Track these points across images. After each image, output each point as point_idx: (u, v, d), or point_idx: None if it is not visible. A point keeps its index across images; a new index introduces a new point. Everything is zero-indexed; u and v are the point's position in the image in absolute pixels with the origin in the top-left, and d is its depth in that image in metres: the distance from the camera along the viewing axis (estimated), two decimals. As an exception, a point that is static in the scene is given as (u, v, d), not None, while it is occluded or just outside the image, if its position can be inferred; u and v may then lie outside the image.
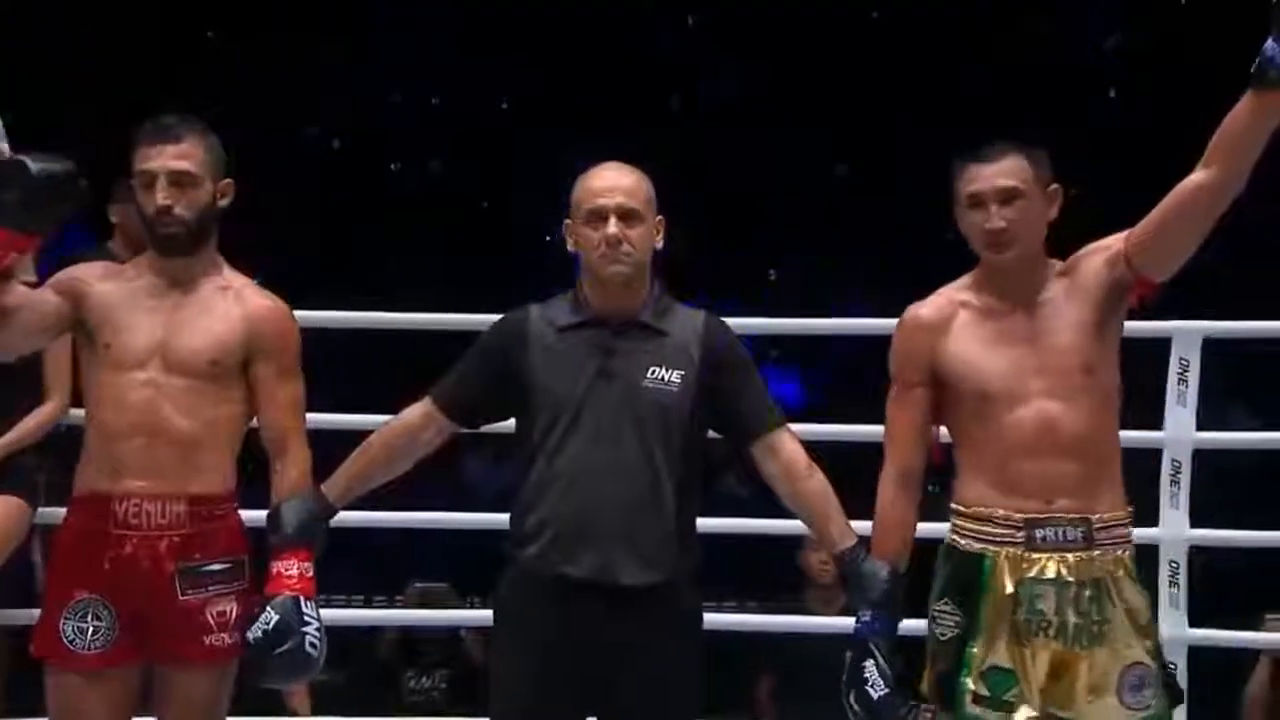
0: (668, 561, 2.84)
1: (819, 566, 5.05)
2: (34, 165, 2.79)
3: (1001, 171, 2.81)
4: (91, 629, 2.92)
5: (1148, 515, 3.74)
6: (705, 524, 3.20)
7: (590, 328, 2.88)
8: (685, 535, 2.88)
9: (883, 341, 2.99)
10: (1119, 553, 2.81)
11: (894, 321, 2.98)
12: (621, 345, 2.87)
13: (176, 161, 2.95)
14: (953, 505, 2.88)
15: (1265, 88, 2.60)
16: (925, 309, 2.92)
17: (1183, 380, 3.75)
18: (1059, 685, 2.77)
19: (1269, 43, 2.58)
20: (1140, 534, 3.77)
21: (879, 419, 2.96)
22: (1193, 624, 3.74)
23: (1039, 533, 2.78)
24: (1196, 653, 3.74)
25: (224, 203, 3.04)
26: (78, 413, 3.27)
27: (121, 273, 3.05)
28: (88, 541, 2.94)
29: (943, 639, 2.83)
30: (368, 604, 6.21)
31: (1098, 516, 2.79)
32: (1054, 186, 2.87)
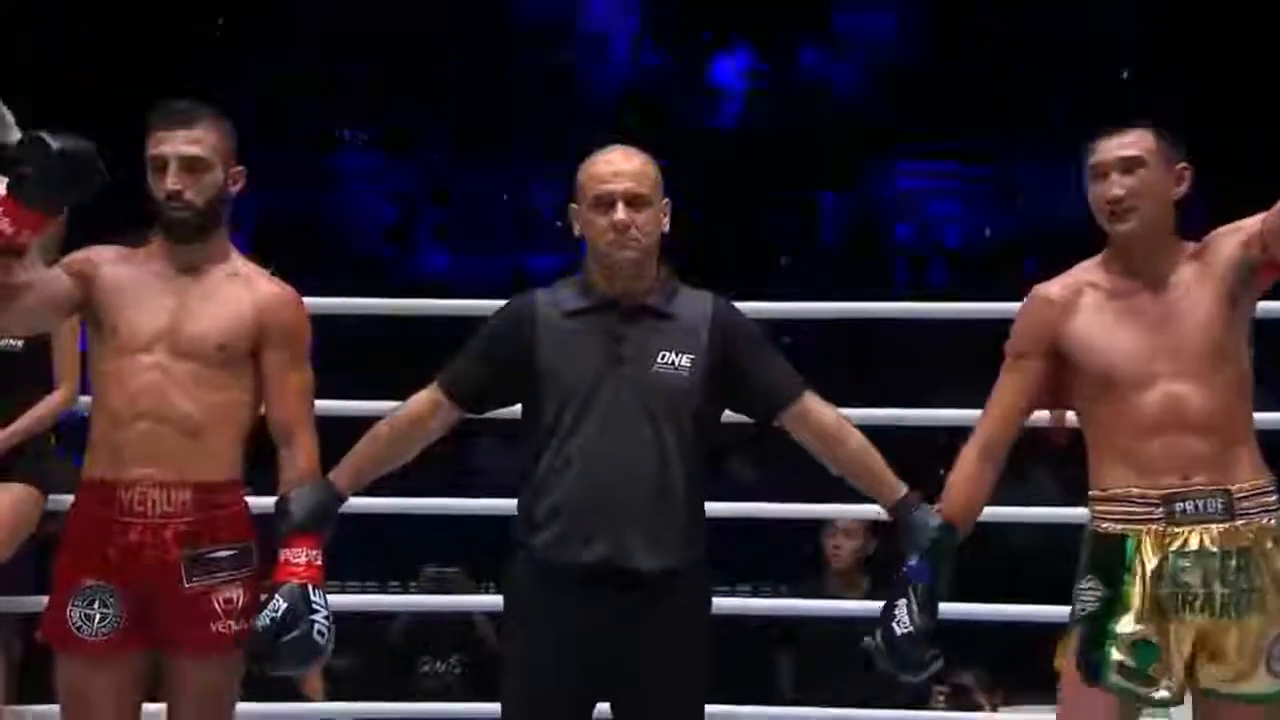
0: (679, 546, 2.82)
1: (832, 551, 5.04)
2: (54, 143, 2.78)
3: (1125, 143, 2.85)
4: (99, 616, 2.90)
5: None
6: (718, 508, 3.19)
7: (599, 312, 2.86)
8: (695, 519, 2.87)
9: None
10: (1265, 520, 2.80)
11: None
12: (630, 330, 2.85)
13: (188, 146, 2.93)
14: (1090, 492, 2.89)
15: None
16: (1054, 286, 2.93)
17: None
18: (1205, 658, 2.79)
19: None
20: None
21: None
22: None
23: (1179, 506, 2.78)
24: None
25: (236, 189, 3.02)
26: (86, 400, 3.26)
27: (133, 256, 3.03)
28: (94, 528, 2.92)
29: (1084, 613, 2.84)
30: (382, 589, 6.20)
31: (1237, 486, 2.79)
32: (1182, 165, 2.87)
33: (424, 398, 2.93)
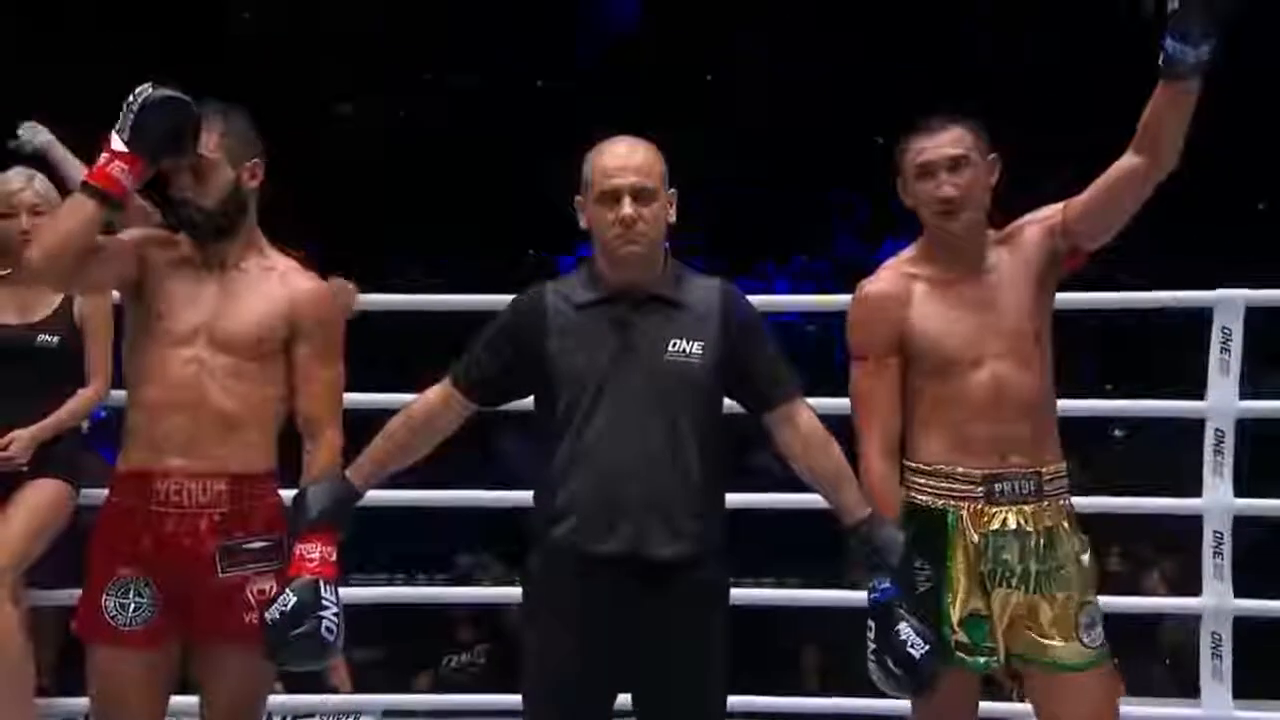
0: (697, 533, 2.83)
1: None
2: (152, 91, 2.86)
3: (949, 141, 2.95)
4: (133, 606, 2.93)
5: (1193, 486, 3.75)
6: (744, 499, 3.20)
7: (608, 303, 2.87)
8: (713, 506, 2.88)
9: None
10: (1061, 501, 2.96)
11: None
12: (641, 319, 2.86)
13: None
14: (906, 463, 2.99)
15: (1171, 80, 2.77)
16: (882, 283, 3.03)
17: (1225, 349, 3.74)
18: (1020, 630, 2.92)
19: (1168, 40, 2.73)
20: (1185, 504, 3.81)
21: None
22: (1237, 594, 3.73)
23: (997, 487, 2.92)
24: (1241, 623, 3.73)
25: (253, 184, 3.03)
26: (119, 394, 3.28)
27: (177, 245, 3.04)
28: (129, 519, 2.95)
29: (919, 592, 2.92)
30: (409, 581, 6.23)
31: (1046, 469, 2.94)
32: (993, 156, 2.99)
33: (437, 392, 2.95)
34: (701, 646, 2.85)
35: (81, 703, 3.31)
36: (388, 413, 3.01)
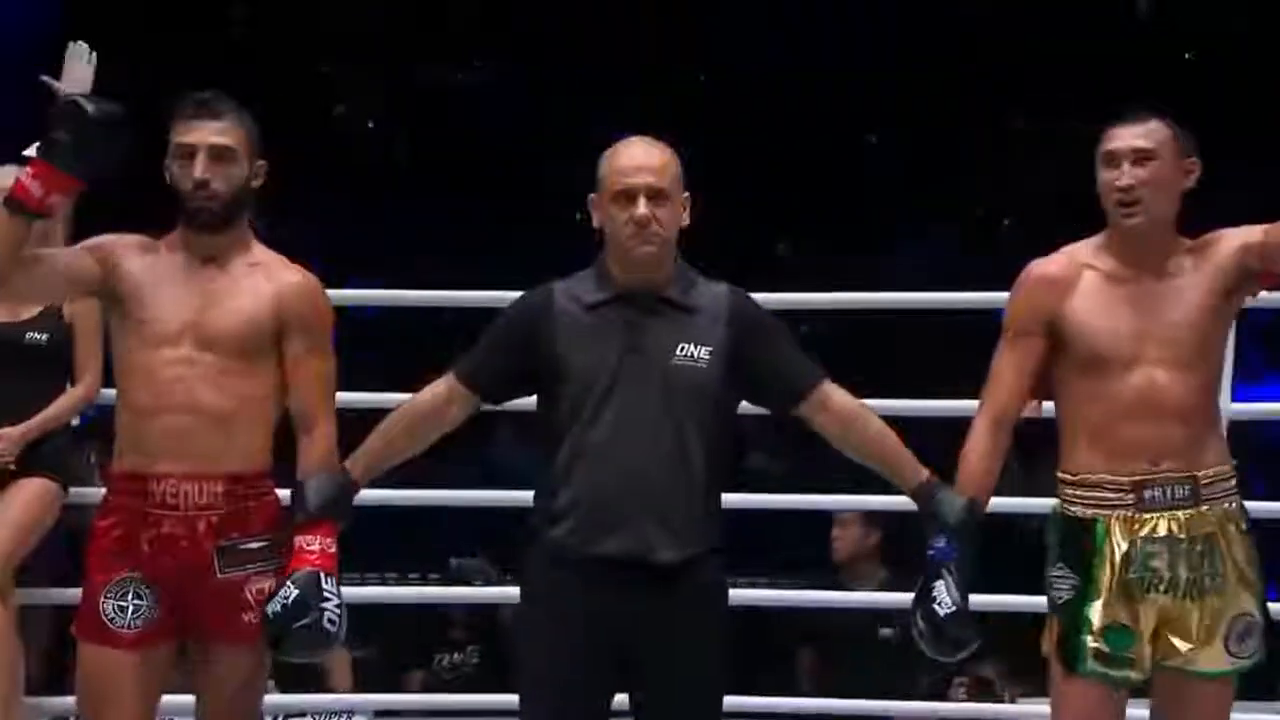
0: (698, 536, 2.82)
1: (834, 542, 5.03)
2: (90, 107, 2.81)
3: (1139, 133, 2.88)
4: (132, 608, 2.92)
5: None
6: (740, 500, 3.19)
7: (617, 305, 2.86)
8: (714, 510, 2.87)
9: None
10: (1226, 506, 2.88)
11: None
12: (650, 322, 2.85)
13: (217, 137, 2.94)
14: (1059, 474, 2.94)
15: None
16: (1052, 265, 2.97)
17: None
18: (1164, 637, 2.85)
19: None
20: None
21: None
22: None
23: (1148, 493, 2.84)
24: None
25: (258, 183, 3.02)
26: (109, 393, 3.27)
27: (155, 247, 3.02)
28: (127, 521, 2.93)
29: (1060, 602, 2.89)
30: (402, 580, 6.21)
31: (1204, 473, 2.86)
32: (1192, 159, 2.92)
33: (440, 387, 2.93)
34: (700, 648, 2.84)
35: (70, 701, 3.30)
36: (380, 411, 3.00)
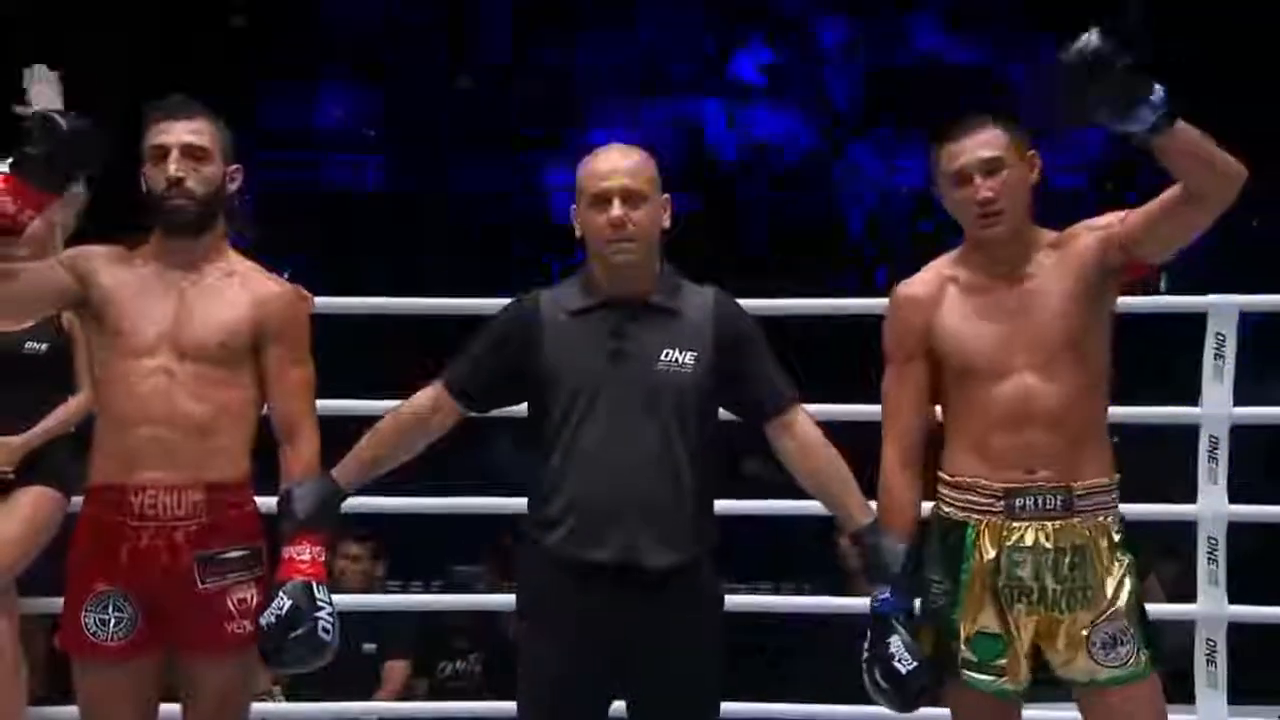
0: (689, 542, 2.83)
1: (844, 551, 5.03)
2: (62, 122, 2.81)
3: (981, 143, 2.84)
4: (114, 620, 2.92)
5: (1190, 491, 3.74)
6: (734, 506, 3.18)
7: (602, 311, 2.87)
8: (705, 514, 2.88)
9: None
10: (1100, 518, 2.85)
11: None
12: (634, 328, 2.85)
13: (190, 135, 2.94)
14: (939, 475, 2.92)
15: (1143, 147, 2.67)
16: (916, 285, 2.95)
17: (1219, 355, 3.73)
18: (1046, 649, 2.84)
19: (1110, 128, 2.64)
20: (1179, 510, 3.79)
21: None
22: (1232, 601, 3.72)
23: (1018, 502, 2.83)
24: (1235, 629, 3.72)
25: (233, 187, 3.02)
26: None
27: (129, 257, 3.03)
28: (105, 533, 2.93)
29: (934, 606, 2.88)
30: (404, 589, 6.22)
31: (1080, 484, 2.83)
32: (1032, 152, 2.88)
33: (427, 395, 2.94)
34: (695, 654, 2.85)
35: (72, 711, 3.31)
36: (367, 419, 3.00)
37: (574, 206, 2.91)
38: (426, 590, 6.13)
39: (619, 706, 2.91)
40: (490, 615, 5.53)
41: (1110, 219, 2.87)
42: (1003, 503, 2.83)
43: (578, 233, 2.91)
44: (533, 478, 2.89)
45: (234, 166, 3.01)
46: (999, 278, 2.88)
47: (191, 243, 2.99)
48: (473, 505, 4.11)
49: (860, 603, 4.54)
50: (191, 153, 2.94)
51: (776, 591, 5.55)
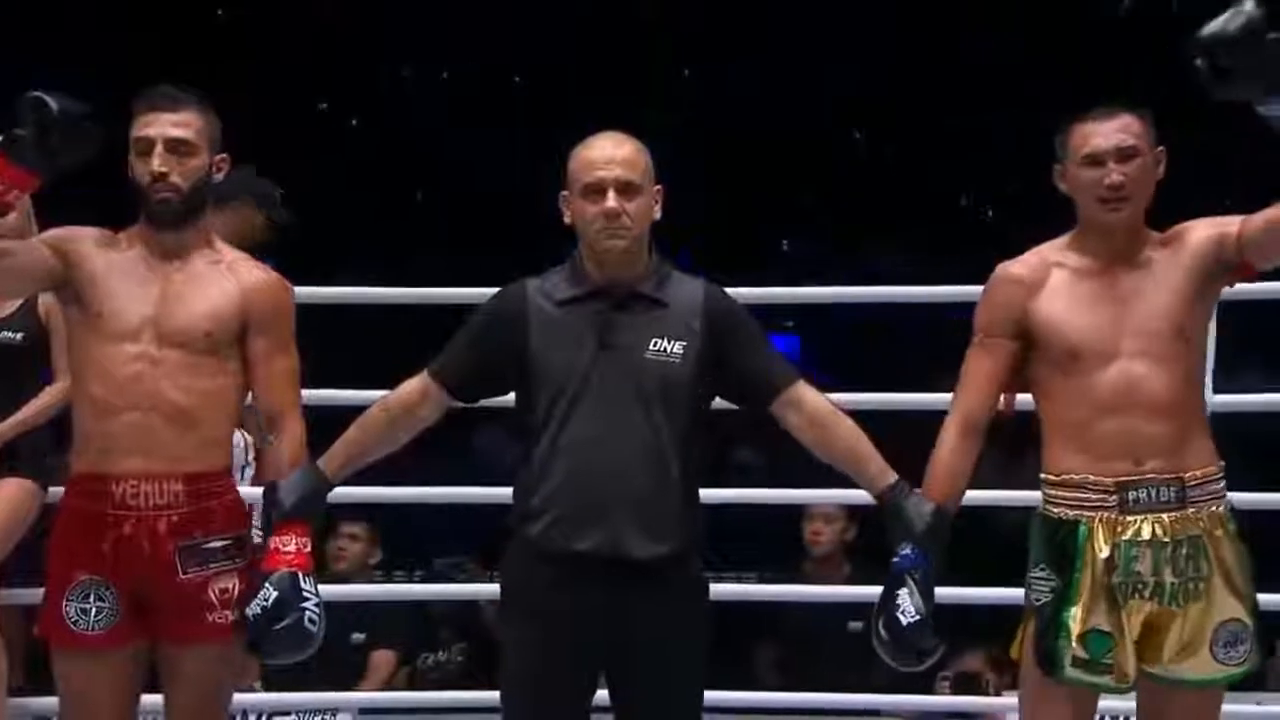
0: (674, 532, 2.82)
1: (812, 537, 5.03)
2: (54, 103, 2.78)
3: (1121, 128, 2.85)
4: (94, 610, 2.91)
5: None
6: (716, 494, 3.17)
7: (590, 300, 2.85)
8: (690, 505, 2.87)
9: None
10: (1214, 509, 2.83)
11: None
12: (622, 318, 2.84)
13: (175, 129, 2.92)
14: (1042, 475, 2.90)
15: None
16: (1018, 266, 2.94)
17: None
18: (1152, 643, 2.81)
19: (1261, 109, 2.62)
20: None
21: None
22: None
23: (1132, 495, 2.80)
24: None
25: (219, 177, 3.01)
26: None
27: (115, 241, 3.00)
28: (86, 523, 2.92)
29: (1038, 604, 2.86)
30: (388, 578, 6.20)
31: (1190, 474, 2.82)
32: (1160, 149, 2.89)
33: (415, 385, 2.92)
34: (679, 644, 2.84)
35: (51, 702, 3.30)
36: (353, 409, 2.99)
37: (564, 194, 2.89)
38: (410, 581, 6.10)
39: (602, 696, 2.90)
40: (475, 606, 5.53)
41: (1230, 219, 2.87)
42: (1115, 497, 2.80)
43: (567, 220, 2.89)
44: (518, 468, 2.88)
45: (220, 156, 2.99)
46: (1111, 264, 2.87)
47: (177, 232, 2.97)
48: (460, 495, 4.09)
49: (823, 590, 4.57)
50: (176, 147, 2.92)
51: (740, 580, 5.53)
